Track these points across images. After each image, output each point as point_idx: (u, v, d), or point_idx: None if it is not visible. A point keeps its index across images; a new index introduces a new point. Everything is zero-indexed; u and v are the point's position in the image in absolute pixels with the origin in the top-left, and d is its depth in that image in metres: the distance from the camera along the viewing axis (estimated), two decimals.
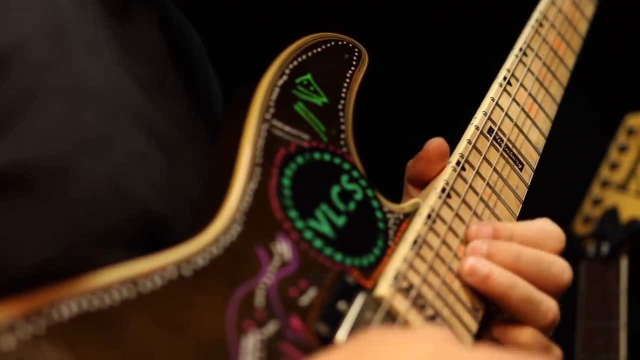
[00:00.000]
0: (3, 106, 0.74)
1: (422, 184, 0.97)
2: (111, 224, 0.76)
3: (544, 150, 1.05)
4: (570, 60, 1.14)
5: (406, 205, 0.93)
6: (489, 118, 1.00)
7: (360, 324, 0.81)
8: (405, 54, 1.88)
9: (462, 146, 0.97)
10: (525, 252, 0.88)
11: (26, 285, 0.70)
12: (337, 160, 0.90)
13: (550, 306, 0.88)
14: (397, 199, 0.95)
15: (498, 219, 0.95)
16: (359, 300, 0.82)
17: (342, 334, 0.80)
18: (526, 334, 0.88)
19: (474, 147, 0.97)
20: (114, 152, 0.79)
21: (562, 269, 0.89)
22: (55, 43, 0.78)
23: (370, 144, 0.99)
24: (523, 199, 1.00)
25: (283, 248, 0.82)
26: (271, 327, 0.77)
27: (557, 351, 0.90)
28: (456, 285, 0.89)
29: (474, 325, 0.89)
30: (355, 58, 0.98)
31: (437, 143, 0.95)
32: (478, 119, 1.00)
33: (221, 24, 1.02)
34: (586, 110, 1.04)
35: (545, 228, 0.92)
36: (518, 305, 0.87)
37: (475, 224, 0.90)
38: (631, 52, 1.62)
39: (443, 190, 0.92)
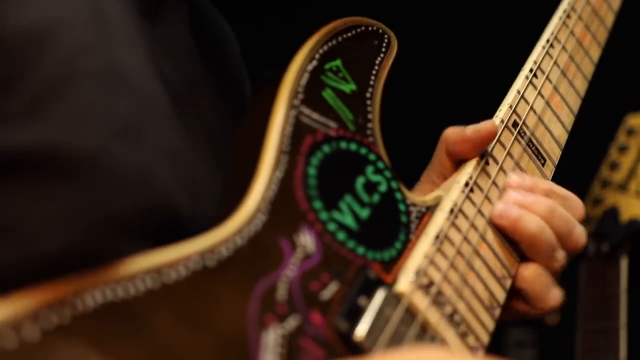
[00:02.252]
0: (41, 83, 0.72)
1: (460, 162, 0.96)
2: (138, 213, 0.75)
3: None
4: (596, 54, 1.13)
5: (428, 198, 0.92)
6: (514, 111, 0.99)
7: (380, 320, 0.80)
8: (433, 43, 1.86)
9: None
10: (558, 209, 0.92)
11: (51, 272, 0.69)
12: (363, 151, 0.89)
13: (562, 256, 0.93)
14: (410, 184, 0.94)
15: None
16: (379, 296, 0.81)
17: (361, 329, 0.79)
18: (530, 269, 0.92)
19: (499, 141, 0.96)
20: (143, 143, 0.77)
21: (581, 233, 0.94)
22: (96, 27, 0.77)
23: (395, 134, 0.98)
24: None
25: (306, 240, 0.81)
26: (292, 322, 0.77)
27: (558, 294, 0.93)
28: (474, 281, 0.88)
29: (490, 323, 0.88)
30: (385, 45, 0.96)
31: (490, 127, 0.94)
32: (503, 111, 0.98)
33: (253, 17, 1.00)
34: (586, 110, 1.04)
35: (575, 197, 0.96)
36: (541, 250, 0.91)
37: (517, 175, 0.94)
38: (631, 52, 1.61)
39: (466, 184, 0.91)
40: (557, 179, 1.00)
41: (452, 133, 0.96)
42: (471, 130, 0.94)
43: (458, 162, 0.97)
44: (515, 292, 0.94)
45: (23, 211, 0.71)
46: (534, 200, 0.92)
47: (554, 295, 0.93)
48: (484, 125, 0.94)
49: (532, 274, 0.92)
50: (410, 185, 0.93)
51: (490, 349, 0.93)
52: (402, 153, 1.00)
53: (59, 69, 0.73)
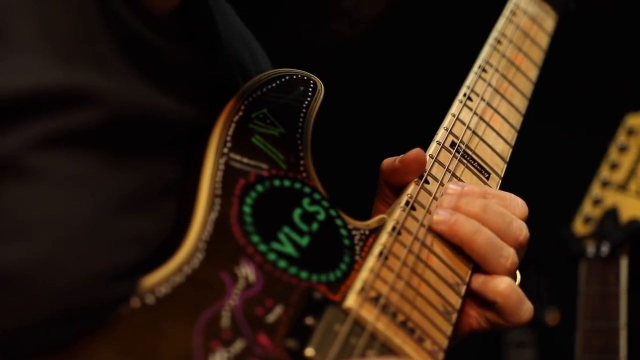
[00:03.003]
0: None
1: (399, 189, 0.99)
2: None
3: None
4: (532, 72, 1.17)
5: (372, 221, 0.96)
6: (451, 132, 1.03)
7: (329, 335, 0.83)
8: (369, 76, 1.89)
9: None
10: (491, 206, 0.95)
11: None
12: (297, 185, 0.93)
13: (510, 252, 0.94)
14: (364, 217, 0.98)
15: None
16: (327, 314, 0.84)
17: (310, 348, 0.82)
18: (505, 283, 0.94)
19: (437, 160, 1.00)
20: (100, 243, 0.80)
21: (520, 227, 0.96)
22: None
23: (333, 166, 1.02)
24: None
25: (247, 271, 0.85)
26: (238, 345, 0.80)
27: (530, 308, 0.95)
28: (426, 291, 0.90)
29: (447, 328, 0.90)
30: (310, 89, 1.01)
31: (415, 155, 0.97)
32: (440, 134, 1.02)
33: None
34: (586, 110, 1.06)
35: (513, 196, 0.98)
36: (482, 249, 0.93)
37: (453, 182, 0.97)
38: (631, 53, 1.63)
39: (407, 203, 0.95)
40: (557, 179, 1.02)
41: (386, 164, 0.99)
42: (398, 160, 0.97)
43: (399, 191, 1.00)
44: (488, 305, 0.96)
45: None
46: (466, 200, 0.94)
47: (527, 309, 0.94)
48: (409, 154, 0.97)
49: (507, 288, 0.94)
50: (361, 215, 0.96)
51: (491, 349, 0.95)
52: (343, 184, 1.03)
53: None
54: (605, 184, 1.75)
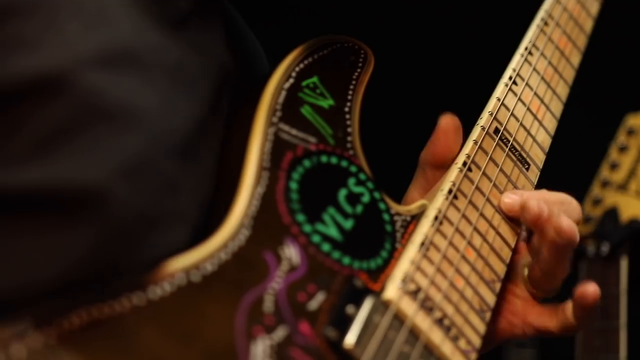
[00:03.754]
0: (49, 124, 0.73)
1: (443, 165, 0.98)
2: (135, 256, 0.76)
3: None
4: (576, 59, 1.14)
5: (413, 207, 0.93)
6: (495, 118, 1.00)
7: (368, 327, 0.81)
8: (411, 54, 1.87)
9: (468, 147, 0.97)
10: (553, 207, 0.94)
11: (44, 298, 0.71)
12: (344, 163, 0.90)
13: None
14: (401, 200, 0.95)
15: (504, 218, 0.96)
16: (367, 304, 0.82)
17: (350, 337, 0.80)
18: (531, 202, 0.93)
19: (480, 147, 0.97)
20: (147, 182, 0.78)
21: (577, 206, 0.97)
22: (110, 67, 0.78)
23: (376, 146, 0.99)
24: None
25: (291, 252, 0.82)
26: (280, 332, 0.77)
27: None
28: (463, 286, 0.89)
29: (481, 327, 0.89)
30: (361, 60, 0.98)
31: (448, 118, 0.97)
32: (484, 119, 1.00)
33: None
34: (586, 110, 1.04)
35: (571, 198, 0.98)
36: (550, 226, 0.92)
37: (505, 197, 0.96)
38: (631, 52, 1.61)
39: (450, 191, 0.92)
40: (557, 179, 1.01)
41: (427, 151, 0.99)
42: (436, 134, 0.98)
43: (443, 168, 0.98)
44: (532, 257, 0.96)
45: (20, 245, 0.73)
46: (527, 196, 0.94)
47: (564, 219, 0.93)
48: (442, 119, 0.98)
49: (532, 205, 0.93)
50: (396, 196, 0.94)
51: (491, 349, 0.94)
52: (386, 164, 1.01)
53: (68, 111, 0.74)
54: (605, 184, 1.75)
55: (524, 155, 1.01)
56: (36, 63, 0.74)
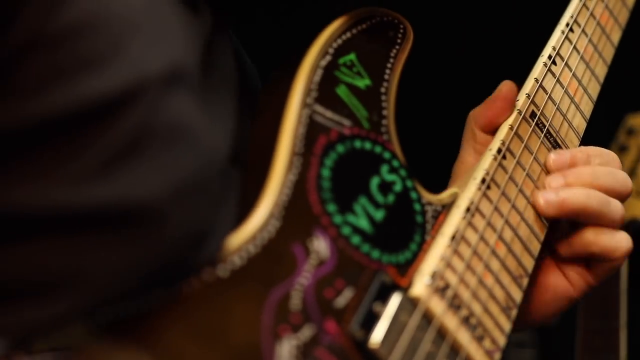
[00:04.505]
0: (114, 148, 0.73)
1: (493, 131, 0.96)
2: (185, 270, 0.75)
3: None
4: (617, 37, 1.10)
5: (444, 195, 0.91)
6: (532, 101, 0.97)
7: (395, 326, 0.79)
8: (448, 32, 1.83)
9: (503, 132, 0.94)
10: (599, 170, 0.94)
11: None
12: (377, 149, 0.87)
13: (617, 204, 0.95)
14: (435, 186, 0.92)
15: (536, 210, 0.93)
16: (394, 301, 0.80)
17: (376, 337, 0.78)
18: (589, 233, 0.94)
19: (516, 133, 0.94)
20: (200, 200, 0.79)
21: (625, 177, 0.96)
22: (170, 87, 0.77)
23: (411, 129, 0.96)
24: None
25: (320, 245, 0.79)
26: (307, 332, 0.75)
27: (624, 236, 0.97)
28: (491, 282, 0.87)
29: (507, 325, 0.87)
30: (400, 36, 0.94)
31: (511, 86, 0.95)
32: (521, 102, 0.96)
33: (249, 16, 0.98)
34: None
35: (608, 151, 0.97)
36: (596, 211, 0.92)
37: (554, 154, 0.94)
38: (631, 52, 1.57)
39: (483, 180, 0.89)
40: None
41: (477, 109, 0.97)
42: (492, 97, 0.96)
43: (493, 134, 0.96)
44: (586, 265, 0.96)
45: (89, 262, 0.73)
46: (575, 175, 0.93)
47: (621, 239, 0.97)
48: (501, 87, 0.95)
49: (593, 235, 0.94)
50: (428, 185, 0.91)
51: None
52: (419, 149, 0.98)
53: (134, 129, 0.74)
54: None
55: (559, 142, 0.98)
56: (105, 83, 0.73)
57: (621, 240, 0.96)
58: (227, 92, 0.88)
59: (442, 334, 0.81)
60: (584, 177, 0.93)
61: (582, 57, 1.04)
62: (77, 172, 0.72)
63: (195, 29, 0.84)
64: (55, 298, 0.72)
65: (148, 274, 0.74)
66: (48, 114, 0.71)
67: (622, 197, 0.96)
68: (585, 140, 1.00)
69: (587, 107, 1.03)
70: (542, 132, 0.96)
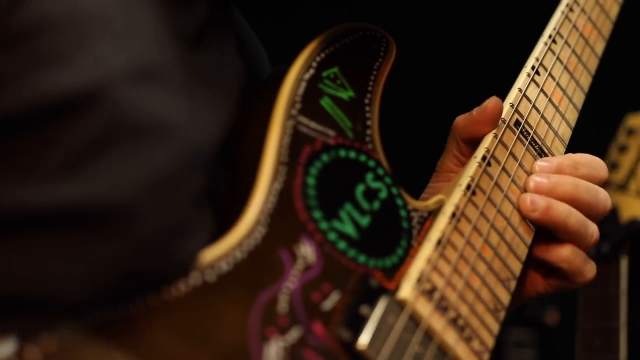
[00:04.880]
0: (81, 141, 0.74)
1: (476, 142, 0.97)
2: (161, 271, 0.76)
3: None
4: (600, 48, 1.12)
5: (430, 202, 0.92)
6: (516, 110, 0.99)
7: (383, 328, 0.80)
8: (430, 43, 1.85)
9: (488, 140, 0.95)
10: (582, 184, 0.96)
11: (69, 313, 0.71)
12: (362, 158, 0.89)
13: (594, 229, 0.97)
14: (420, 194, 0.94)
15: (523, 215, 0.94)
16: (382, 304, 0.82)
17: (364, 338, 0.79)
18: (566, 250, 0.96)
19: (500, 141, 0.96)
20: (176, 196, 0.79)
21: (605, 197, 0.98)
22: (138, 83, 0.77)
23: (396, 138, 0.98)
24: None
25: (307, 250, 0.81)
26: (294, 334, 0.77)
27: (593, 266, 0.98)
28: (478, 285, 0.88)
29: (495, 326, 0.88)
30: (382, 49, 0.96)
31: (497, 103, 0.96)
32: (505, 111, 0.98)
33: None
34: (586, 110, 1.04)
35: (596, 159, 1.00)
36: (573, 230, 0.94)
37: (541, 161, 0.96)
38: (631, 52, 1.59)
39: (468, 187, 0.91)
40: None
41: (461, 119, 0.98)
42: (477, 111, 0.96)
43: (475, 145, 0.97)
44: (551, 271, 0.97)
45: (51, 266, 0.73)
46: (557, 180, 0.94)
47: (590, 268, 0.98)
48: (487, 103, 0.96)
49: (570, 253, 0.96)
50: (413, 194, 0.93)
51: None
52: (403, 158, 1.00)
53: (100, 128, 0.74)
54: (605, 184, 1.73)
55: (544, 149, 1.00)
56: (67, 80, 0.74)
57: (591, 269, 0.98)
58: (219, 87, 0.88)
59: (429, 335, 0.83)
60: (566, 185, 0.94)
61: (565, 68, 1.06)
62: (41, 171, 0.72)
63: (180, 23, 0.84)
64: (24, 301, 0.72)
65: (125, 271, 0.74)
66: (8, 113, 0.71)
67: (599, 215, 0.98)
68: (586, 140, 1.02)
69: (572, 116, 1.05)
70: (527, 139, 0.98)
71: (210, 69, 0.87)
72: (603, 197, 0.97)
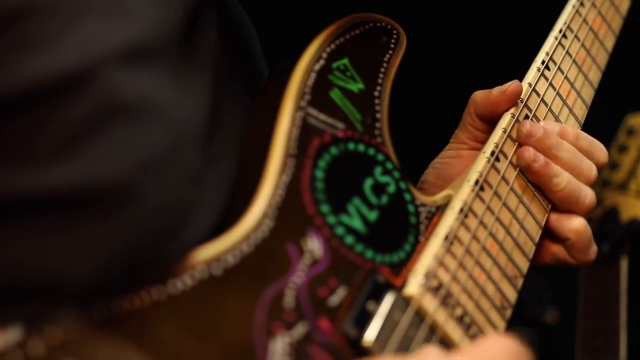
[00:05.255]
0: (72, 123, 0.72)
1: (491, 121, 0.98)
2: (159, 248, 0.75)
3: None
4: (610, 43, 1.11)
5: (438, 197, 0.91)
6: (525, 105, 0.98)
7: (388, 324, 0.80)
8: (441, 38, 1.84)
9: (497, 135, 0.95)
10: (564, 145, 0.96)
11: (72, 299, 0.70)
12: (371, 151, 0.88)
13: (587, 192, 0.98)
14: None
15: (529, 211, 0.94)
16: (388, 300, 0.81)
17: (370, 335, 0.79)
18: (579, 221, 0.97)
19: (509, 136, 0.95)
20: (171, 174, 0.77)
21: (590, 166, 0.98)
22: (129, 63, 0.76)
23: (405, 132, 0.97)
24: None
25: (314, 245, 0.81)
26: (300, 329, 0.76)
27: (595, 250, 0.99)
28: (485, 282, 0.88)
29: (501, 324, 0.88)
30: (393, 41, 0.95)
31: (518, 87, 0.97)
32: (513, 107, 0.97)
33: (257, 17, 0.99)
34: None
35: (599, 144, 1.00)
36: (565, 190, 0.96)
37: (547, 122, 0.98)
38: (631, 52, 1.58)
39: (476, 182, 0.90)
40: None
41: (479, 95, 0.99)
42: (496, 91, 0.97)
43: (489, 122, 0.99)
44: (558, 240, 0.98)
45: (50, 252, 0.71)
46: (558, 141, 0.96)
47: (594, 250, 0.99)
48: (508, 86, 0.97)
49: (581, 226, 0.97)
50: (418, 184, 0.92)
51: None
52: (412, 152, 0.99)
53: (91, 109, 0.73)
54: (605, 184, 1.73)
55: None
56: (57, 62, 0.72)
57: (593, 252, 0.99)
58: (210, 67, 0.87)
59: (434, 331, 0.82)
60: (566, 152, 0.96)
61: (574, 62, 1.05)
62: (33, 154, 0.71)
63: (174, 5, 0.82)
64: (24, 290, 0.71)
65: (127, 253, 0.73)
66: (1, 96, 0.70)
67: (587, 182, 0.98)
68: None
69: (581, 112, 1.04)
70: None
71: (203, 48, 0.86)
72: (587, 165, 0.98)
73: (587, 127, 1.02)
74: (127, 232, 0.73)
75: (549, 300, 1.83)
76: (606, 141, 1.51)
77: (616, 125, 1.72)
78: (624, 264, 1.66)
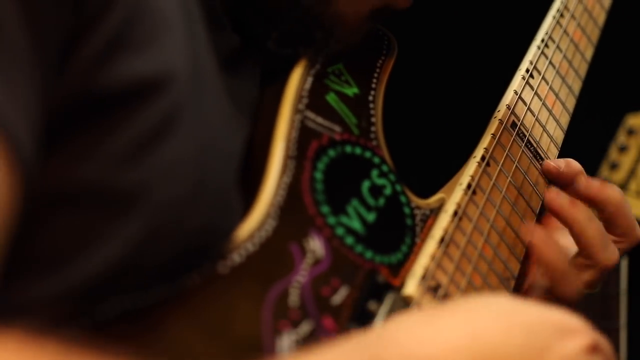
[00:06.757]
0: (142, 131, 0.74)
1: None
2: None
3: None
4: (589, 52, 1.14)
5: (432, 200, 0.93)
6: (512, 112, 1.00)
7: None
8: (429, 45, 1.86)
9: (486, 140, 0.96)
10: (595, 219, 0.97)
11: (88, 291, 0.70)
12: (367, 154, 0.89)
13: (615, 250, 0.97)
14: (422, 192, 0.95)
15: (520, 216, 0.95)
16: (389, 300, 0.82)
17: None
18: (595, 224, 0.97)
19: (498, 142, 0.97)
20: (211, 204, 0.79)
21: (614, 251, 0.98)
22: (194, 84, 0.78)
23: (396, 136, 0.98)
24: (543, 196, 0.99)
25: (316, 244, 0.81)
26: (305, 327, 0.77)
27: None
28: (480, 284, 0.89)
29: None
30: (385, 47, 0.96)
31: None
32: (502, 112, 0.99)
33: None
34: (586, 110, 1.05)
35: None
36: (594, 236, 0.95)
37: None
38: (631, 52, 1.61)
39: (469, 186, 0.92)
40: None
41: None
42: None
43: None
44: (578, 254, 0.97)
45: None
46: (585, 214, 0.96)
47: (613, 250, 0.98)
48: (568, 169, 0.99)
49: (597, 230, 0.96)
50: (416, 191, 0.93)
51: None
52: (406, 155, 1.00)
53: (160, 120, 0.75)
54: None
55: (539, 150, 1.01)
56: (143, 66, 0.74)
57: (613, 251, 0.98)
58: (245, 110, 0.90)
59: None
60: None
61: (558, 72, 1.07)
62: (109, 153, 0.72)
63: (218, 44, 0.85)
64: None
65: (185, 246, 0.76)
66: (95, 91, 0.72)
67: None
68: (586, 140, 1.03)
69: (564, 119, 1.06)
70: (523, 141, 0.99)
71: (239, 92, 0.88)
72: (612, 250, 0.98)
73: (587, 127, 1.04)
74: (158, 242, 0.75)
75: None
76: (606, 141, 1.54)
77: (616, 125, 1.74)
78: (624, 264, 1.67)
